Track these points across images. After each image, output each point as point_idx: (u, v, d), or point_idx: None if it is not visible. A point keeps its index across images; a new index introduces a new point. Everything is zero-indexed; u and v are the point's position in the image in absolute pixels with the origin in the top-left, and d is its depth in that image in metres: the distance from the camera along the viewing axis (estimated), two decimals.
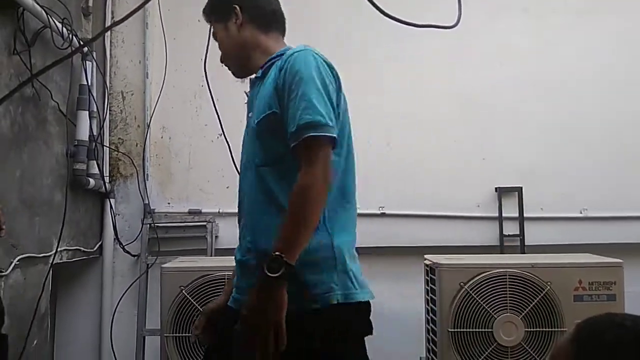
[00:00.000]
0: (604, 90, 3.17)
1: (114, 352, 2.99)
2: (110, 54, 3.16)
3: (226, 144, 2.71)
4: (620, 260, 2.27)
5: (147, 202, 3.07)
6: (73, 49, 2.49)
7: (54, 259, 2.46)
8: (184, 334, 2.15)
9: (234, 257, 1.46)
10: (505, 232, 3.08)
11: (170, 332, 2.15)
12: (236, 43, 1.51)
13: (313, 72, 1.32)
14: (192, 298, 2.15)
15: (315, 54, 1.37)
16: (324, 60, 1.38)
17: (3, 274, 2.12)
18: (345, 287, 1.32)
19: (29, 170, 2.35)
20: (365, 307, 1.37)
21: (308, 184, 1.25)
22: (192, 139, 3.17)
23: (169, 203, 3.14)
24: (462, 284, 2.20)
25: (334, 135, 1.29)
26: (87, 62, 2.76)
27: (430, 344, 2.37)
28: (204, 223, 3.02)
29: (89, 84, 2.76)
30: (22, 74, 2.24)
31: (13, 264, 2.16)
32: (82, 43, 2.59)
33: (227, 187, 3.01)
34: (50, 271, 2.47)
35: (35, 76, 2.28)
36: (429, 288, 2.40)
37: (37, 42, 2.35)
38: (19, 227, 2.25)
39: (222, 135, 2.78)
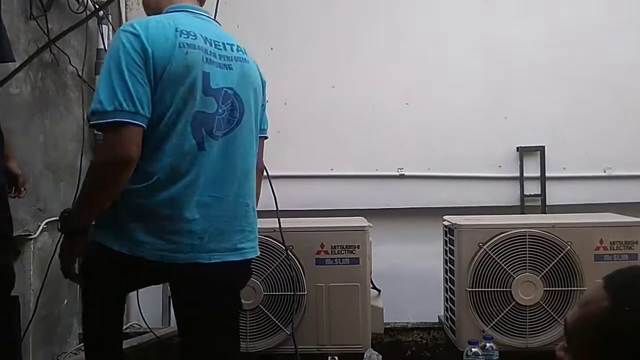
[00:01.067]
0: (632, 43, 3.05)
1: (140, 312, 3.09)
2: (126, 17, 3.13)
3: None
4: None
5: None
6: (88, 12, 2.48)
7: None
8: None
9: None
10: (526, 193, 3.05)
11: None
12: None
13: (109, 56, 1.33)
14: None
15: (123, 30, 1.35)
16: (132, 33, 1.33)
17: (32, 237, 2.19)
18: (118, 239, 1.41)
19: (52, 135, 2.39)
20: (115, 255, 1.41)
21: (90, 167, 1.46)
22: None
23: None
24: (481, 244, 2.20)
25: (111, 120, 1.28)
26: (103, 25, 2.75)
27: (449, 302, 2.40)
28: None
29: (106, 48, 2.76)
30: (39, 39, 2.25)
31: (41, 228, 2.23)
32: (97, 7, 2.57)
33: None
34: None
35: (54, 41, 2.28)
36: (447, 248, 2.41)
37: (53, 7, 2.34)
38: (44, 191, 2.31)
39: None
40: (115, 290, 1.56)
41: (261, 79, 1.63)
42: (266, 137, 1.73)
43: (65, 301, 2.49)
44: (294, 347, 2.16)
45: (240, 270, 1.56)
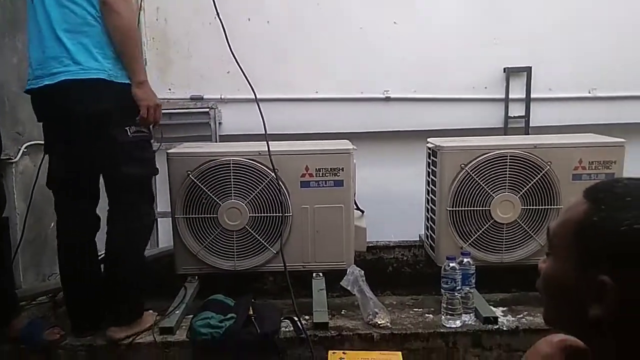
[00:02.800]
0: None
1: None
2: None
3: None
4: (623, 140, 2.26)
5: None
6: None
7: None
8: (194, 215, 2.24)
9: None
10: (510, 114, 3.06)
11: (181, 214, 2.25)
12: None
13: None
14: (199, 182, 2.21)
15: None
16: None
17: (12, 161, 2.17)
18: None
19: (26, 57, 2.30)
20: None
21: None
22: (188, 23, 3.05)
23: (169, 89, 3.10)
24: (462, 165, 2.23)
25: None
26: None
27: (429, 222, 2.47)
28: (207, 109, 3.01)
29: None
30: None
31: (21, 152, 2.21)
32: None
33: (228, 73, 2.94)
34: None
35: None
36: (430, 170, 2.45)
37: None
38: (22, 115, 2.26)
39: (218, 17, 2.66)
40: None
41: None
42: None
43: (52, 224, 2.52)
44: (280, 265, 2.24)
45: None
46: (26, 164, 2.29)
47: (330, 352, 1.89)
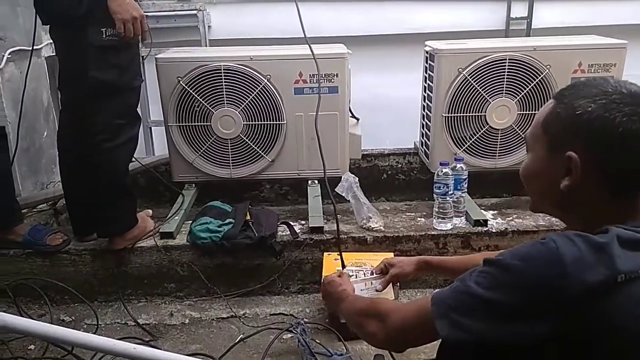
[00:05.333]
0: None
1: None
2: None
3: None
4: (625, 41, 2.19)
5: None
6: None
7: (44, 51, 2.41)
8: (187, 124, 2.22)
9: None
10: (512, 15, 2.94)
11: (174, 122, 2.22)
12: None
13: None
14: (190, 89, 2.16)
15: None
16: None
17: None
18: None
19: None
20: None
21: None
22: None
23: None
24: (460, 69, 2.18)
25: None
26: None
27: (424, 128, 2.46)
28: (194, 11, 2.87)
29: None
30: None
31: (5, 58, 2.14)
32: None
33: None
34: (45, 64, 2.45)
35: None
36: (427, 75, 2.39)
37: None
38: (1, 19, 2.15)
39: None
40: None
41: None
42: None
43: (45, 133, 2.50)
44: (276, 172, 2.26)
45: None
46: (12, 70, 2.22)
47: (325, 254, 1.97)
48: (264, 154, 2.26)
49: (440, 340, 0.87)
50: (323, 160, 2.02)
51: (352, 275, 1.55)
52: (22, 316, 1.81)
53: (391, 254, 1.94)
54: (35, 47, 2.28)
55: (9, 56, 2.16)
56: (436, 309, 0.83)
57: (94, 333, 1.77)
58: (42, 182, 2.48)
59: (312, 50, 2.03)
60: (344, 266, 1.77)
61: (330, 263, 1.89)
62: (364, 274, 1.59)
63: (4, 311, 1.30)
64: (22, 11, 2.28)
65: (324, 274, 1.82)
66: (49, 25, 1.83)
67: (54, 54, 2.27)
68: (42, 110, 2.48)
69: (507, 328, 0.75)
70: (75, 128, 1.87)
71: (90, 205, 1.95)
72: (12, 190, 2.01)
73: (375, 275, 1.55)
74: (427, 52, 2.37)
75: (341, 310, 1.25)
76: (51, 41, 2.29)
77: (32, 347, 1.76)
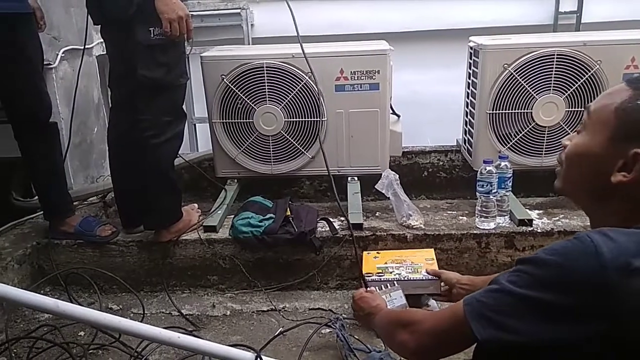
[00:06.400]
0: None
1: None
2: None
3: None
4: None
5: None
6: None
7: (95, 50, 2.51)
8: (230, 120, 2.26)
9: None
10: (561, 10, 2.84)
11: (218, 119, 2.27)
12: None
13: None
14: (234, 86, 2.20)
15: None
16: None
17: (52, 66, 2.20)
18: None
19: None
20: None
21: None
22: None
23: None
24: (506, 65, 2.13)
25: None
26: None
27: (468, 126, 2.42)
28: (238, 10, 2.92)
29: None
30: None
31: (59, 57, 2.23)
32: None
33: None
34: (96, 62, 2.54)
35: None
36: (471, 71, 2.35)
37: None
38: (56, 19, 2.25)
39: None
40: None
41: None
42: None
43: (96, 129, 2.60)
44: (316, 169, 2.27)
45: None
46: (65, 69, 2.32)
47: (364, 252, 1.96)
48: (305, 150, 2.28)
49: (474, 347, 0.83)
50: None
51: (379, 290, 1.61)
52: (73, 304, 1.89)
53: (431, 250, 1.92)
54: (86, 47, 2.38)
55: (63, 55, 2.25)
56: (470, 309, 0.79)
57: (140, 322, 1.83)
58: (92, 176, 2.58)
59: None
60: (366, 286, 1.70)
61: (370, 260, 1.89)
62: (404, 270, 1.59)
63: (57, 298, 1.37)
64: (75, 12, 2.38)
65: (363, 271, 1.82)
66: (100, 25, 1.90)
67: (105, 52, 2.36)
68: (93, 107, 2.58)
69: (548, 327, 0.72)
70: (124, 124, 1.94)
71: (138, 199, 2.02)
72: (64, 183, 2.10)
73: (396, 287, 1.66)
74: (471, 48, 2.33)
75: (375, 324, 1.23)
76: (102, 40, 2.38)
77: (82, 333, 1.84)
